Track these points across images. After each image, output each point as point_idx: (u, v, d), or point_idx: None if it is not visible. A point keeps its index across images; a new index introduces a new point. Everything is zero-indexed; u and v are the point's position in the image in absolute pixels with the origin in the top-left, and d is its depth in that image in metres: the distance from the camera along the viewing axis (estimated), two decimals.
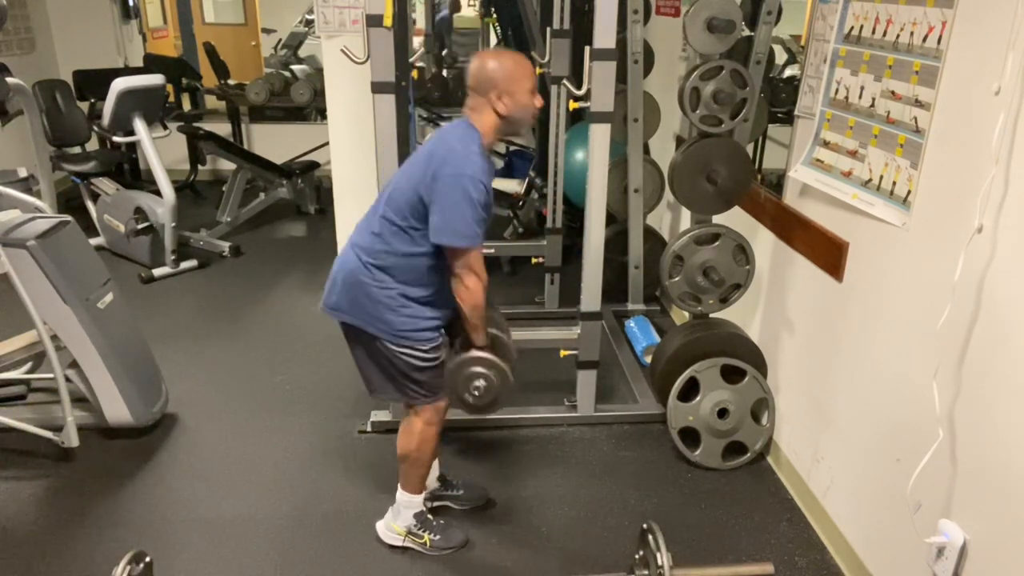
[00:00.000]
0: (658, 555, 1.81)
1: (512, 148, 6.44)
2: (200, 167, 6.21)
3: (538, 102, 2.01)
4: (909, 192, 1.91)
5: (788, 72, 3.80)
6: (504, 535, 2.39)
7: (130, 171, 6.01)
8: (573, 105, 2.75)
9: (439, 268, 2.01)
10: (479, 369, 2.05)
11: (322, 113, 6.23)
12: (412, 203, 1.94)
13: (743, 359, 2.67)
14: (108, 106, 4.32)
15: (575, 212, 4.01)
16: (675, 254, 2.66)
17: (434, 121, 6.49)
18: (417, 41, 5.45)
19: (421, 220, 1.95)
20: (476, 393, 2.06)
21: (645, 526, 1.91)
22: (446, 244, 1.92)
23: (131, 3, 6.44)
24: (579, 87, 2.53)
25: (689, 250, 2.65)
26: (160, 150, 4.53)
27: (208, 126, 5.58)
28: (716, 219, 2.70)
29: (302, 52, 7.60)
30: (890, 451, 2.03)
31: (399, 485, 2.28)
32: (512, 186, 5.05)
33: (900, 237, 1.96)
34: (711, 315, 2.80)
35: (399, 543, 2.31)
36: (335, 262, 2.13)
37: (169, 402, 3.01)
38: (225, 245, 4.82)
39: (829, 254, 2.32)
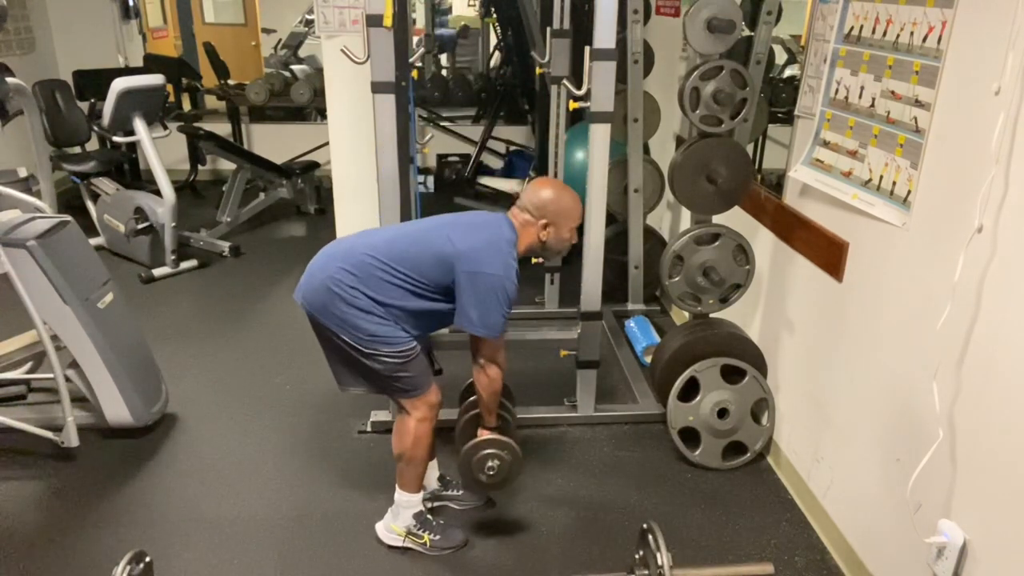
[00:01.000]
0: (658, 555, 1.81)
1: (512, 148, 6.45)
2: (200, 167, 6.22)
3: (574, 239, 2.19)
4: (909, 192, 1.91)
5: (788, 72, 3.80)
6: (504, 535, 2.39)
7: (130, 171, 6.01)
8: (573, 105, 2.75)
9: (425, 315, 2.09)
10: (492, 451, 2.19)
11: (322, 113, 6.24)
12: (434, 276, 2.03)
13: (743, 359, 2.67)
14: (108, 106, 4.32)
15: None
16: (675, 254, 2.66)
17: (434, 121, 6.51)
18: (416, 40, 5.46)
19: (439, 290, 2.05)
20: (490, 473, 2.20)
21: (645, 526, 1.91)
22: (479, 335, 2.06)
23: (131, 3, 6.44)
24: (579, 87, 2.53)
25: (689, 250, 2.65)
26: (160, 150, 4.53)
27: (208, 126, 5.58)
28: (716, 219, 2.70)
29: (302, 52, 7.61)
30: (890, 451, 2.03)
31: (397, 485, 2.28)
32: (512, 186, 5.05)
33: (900, 237, 1.96)
34: (711, 315, 2.80)
35: (399, 543, 2.31)
36: (317, 258, 2.12)
37: (169, 402, 3.01)
38: (225, 245, 4.82)
39: (829, 254, 2.32)
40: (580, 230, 2.25)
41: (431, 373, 2.22)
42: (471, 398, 2.41)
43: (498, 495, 2.55)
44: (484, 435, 2.22)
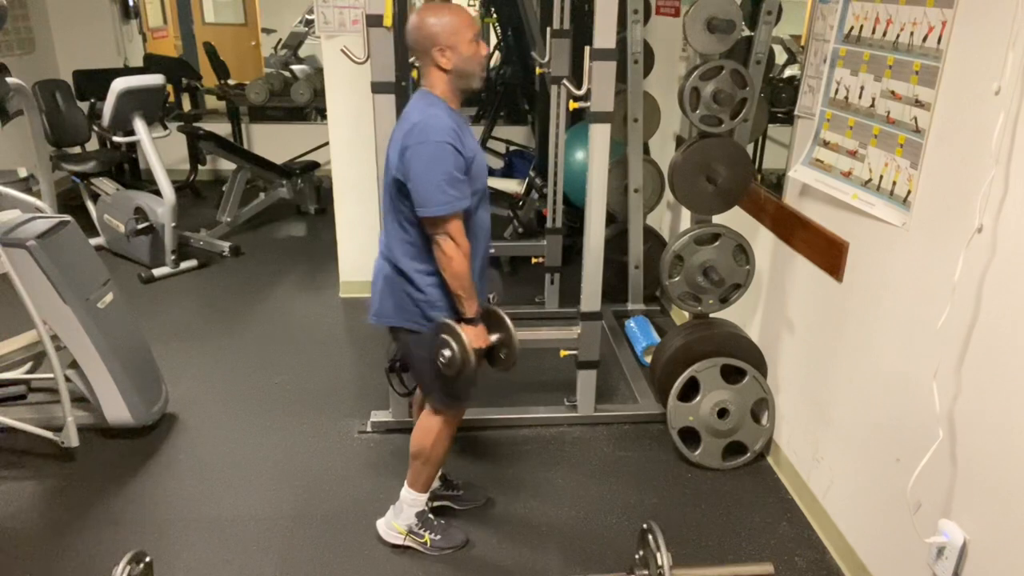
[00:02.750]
0: (658, 555, 1.81)
1: (512, 148, 6.45)
2: (200, 167, 6.21)
3: (483, 50, 1.94)
4: (909, 192, 1.91)
5: (788, 72, 3.80)
6: (504, 535, 2.40)
7: (130, 171, 6.01)
8: (573, 105, 2.75)
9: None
10: (446, 337, 1.98)
11: (322, 113, 6.23)
12: (396, 190, 1.93)
13: (743, 359, 2.67)
14: (108, 106, 4.32)
15: (575, 212, 4.01)
16: (675, 254, 2.66)
17: None
18: None
19: (409, 202, 1.92)
20: (442, 361, 2.00)
21: (645, 526, 1.91)
22: (423, 215, 1.88)
23: (131, 3, 6.44)
24: (579, 87, 2.53)
25: (689, 250, 2.65)
26: (160, 150, 4.53)
27: (208, 126, 5.58)
28: (716, 219, 2.70)
29: (302, 52, 7.60)
30: (890, 451, 2.03)
31: (406, 482, 2.28)
32: (512, 186, 5.05)
33: (900, 237, 1.96)
34: (711, 315, 2.80)
35: (399, 542, 2.31)
36: (374, 269, 2.13)
37: (169, 402, 3.01)
38: (225, 245, 4.82)
39: (829, 254, 2.32)
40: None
41: (474, 388, 2.18)
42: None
43: (498, 495, 2.55)
44: (445, 320, 2.01)
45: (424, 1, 1.98)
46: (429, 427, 2.18)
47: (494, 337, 2.06)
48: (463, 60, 1.90)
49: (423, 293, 2.00)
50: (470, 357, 1.96)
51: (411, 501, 2.28)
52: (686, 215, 3.06)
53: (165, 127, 4.95)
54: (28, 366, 2.94)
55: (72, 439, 2.66)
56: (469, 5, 8.70)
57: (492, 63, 7.62)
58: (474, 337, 1.98)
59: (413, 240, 1.98)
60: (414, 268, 1.99)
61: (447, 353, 1.98)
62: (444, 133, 1.84)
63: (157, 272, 4.40)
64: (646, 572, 1.88)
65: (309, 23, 7.22)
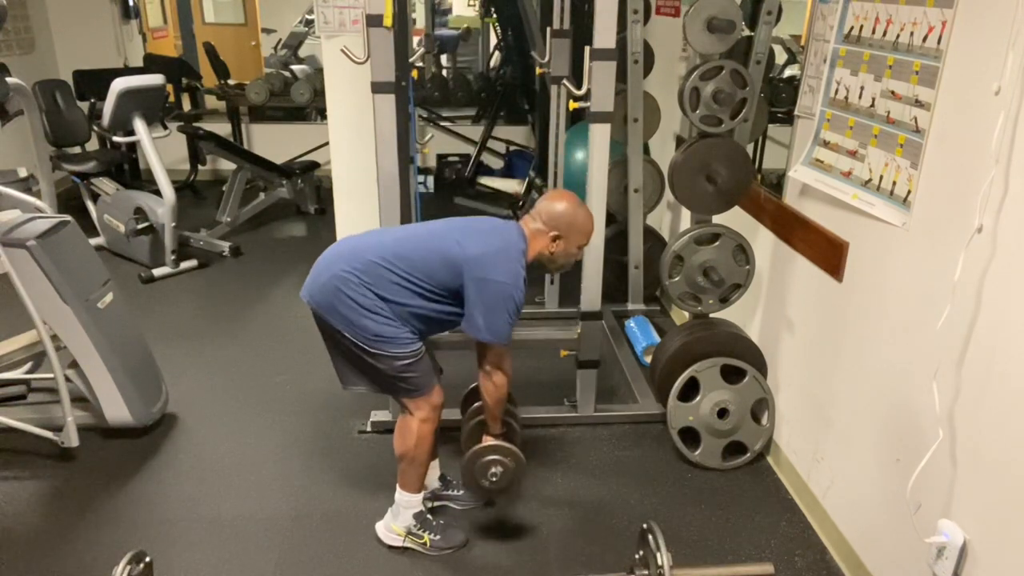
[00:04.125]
0: (658, 555, 1.81)
1: (512, 148, 6.45)
2: (200, 167, 6.21)
3: (580, 256, 2.23)
4: (909, 192, 1.91)
5: (788, 72, 3.80)
6: (504, 535, 2.39)
7: (130, 171, 6.01)
8: (573, 105, 2.75)
9: (432, 318, 2.09)
10: (496, 457, 2.20)
11: (322, 113, 6.23)
12: (443, 279, 2.03)
13: (743, 359, 2.67)
14: (108, 106, 4.32)
15: None
16: (675, 254, 2.66)
17: (434, 121, 6.51)
18: (416, 40, 5.45)
19: (447, 293, 2.05)
20: (493, 479, 2.21)
21: (645, 526, 1.91)
22: (486, 341, 2.06)
23: (131, 3, 6.44)
24: (579, 87, 2.53)
25: (689, 250, 2.65)
26: (160, 150, 4.53)
27: (208, 126, 5.58)
28: (716, 219, 2.70)
29: (302, 52, 7.61)
30: (890, 451, 2.03)
31: (398, 485, 2.28)
32: (512, 186, 5.05)
33: (900, 237, 1.96)
34: (711, 315, 2.80)
35: (399, 543, 2.31)
36: (324, 256, 2.12)
37: (169, 402, 3.01)
38: (225, 245, 4.82)
39: (829, 254, 2.32)
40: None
41: (435, 374, 2.22)
42: (476, 403, 2.41)
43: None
44: (488, 441, 2.23)
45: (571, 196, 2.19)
46: (407, 428, 2.19)
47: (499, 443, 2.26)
48: (561, 254, 2.15)
49: (377, 321, 2.03)
50: (524, 466, 2.24)
51: (406, 502, 2.28)
52: (686, 215, 3.05)
53: (165, 127, 4.95)
54: (28, 366, 2.94)
55: (72, 439, 2.66)
56: (469, 5, 8.71)
57: (492, 63, 7.64)
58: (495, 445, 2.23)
59: (408, 292, 2.03)
60: (378, 307, 2.02)
61: (498, 471, 2.21)
62: (523, 285, 2.04)
63: (157, 272, 4.40)
64: (646, 572, 1.88)
65: (309, 23, 7.23)
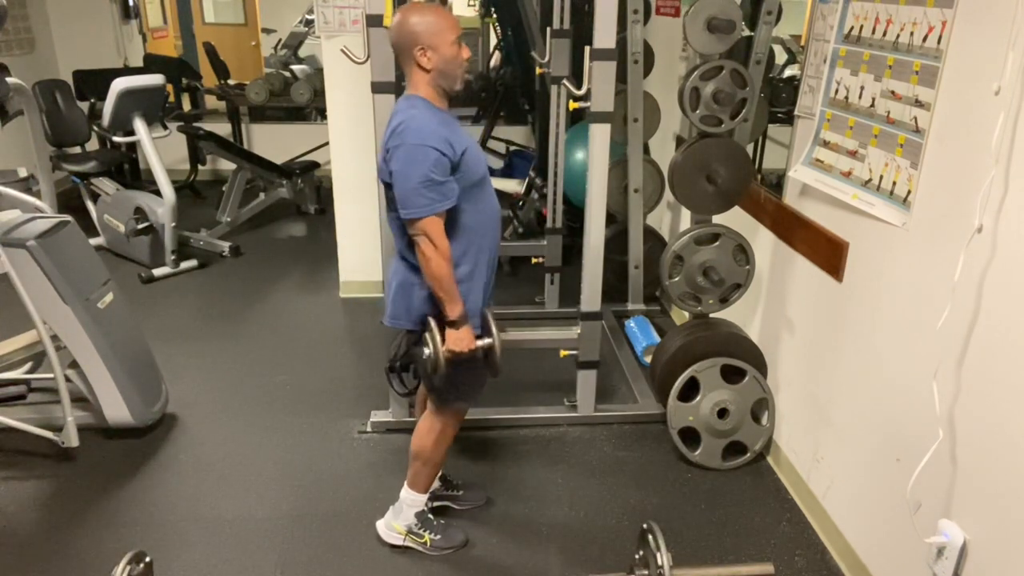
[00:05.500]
0: (658, 555, 1.81)
1: (512, 148, 6.45)
2: (200, 167, 6.21)
3: (465, 52, 1.93)
4: (909, 192, 1.91)
5: (788, 72, 3.80)
6: (504, 535, 2.39)
7: (130, 171, 6.01)
8: (573, 105, 2.75)
9: (462, 232, 1.95)
10: (425, 336, 1.99)
11: (322, 113, 6.23)
12: (387, 192, 1.94)
13: (743, 359, 2.67)
14: (108, 106, 4.32)
15: (575, 212, 4.01)
16: (675, 254, 2.66)
17: None
18: None
19: None
20: (422, 359, 2.01)
21: (645, 526, 1.91)
22: (403, 218, 1.88)
23: (131, 3, 6.44)
24: (579, 87, 2.53)
25: (689, 250, 2.65)
26: (160, 150, 4.53)
27: (208, 126, 5.57)
28: (716, 219, 2.70)
29: (302, 52, 7.60)
30: (890, 451, 2.03)
31: (406, 483, 2.28)
32: (512, 186, 5.05)
33: (900, 237, 1.96)
34: (711, 315, 2.80)
35: (399, 542, 2.31)
36: (390, 270, 2.13)
37: (169, 402, 3.01)
38: (225, 245, 4.82)
39: (829, 254, 2.32)
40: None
41: (481, 391, 2.18)
42: None
43: (498, 495, 2.55)
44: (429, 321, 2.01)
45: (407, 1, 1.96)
46: (431, 427, 2.18)
47: (482, 342, 2.02)
48: (444, 61, 1.89)
49: (426, 291, 1.99)
50: (441, 360, 1.95)
51: (411, 502, 2.28)
52: (686, 215, 3.05)
53: (165, 127, 4.94)
54: (28, 366, 2.94)
55: (72, 439, 2.66)
56: (469, 5, 8.71)
57: (492, 63, 7.63)
58: (455, 340, 1.94)
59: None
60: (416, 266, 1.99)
61: (425, 351, 1.97)
62: (422, 135, 1.83)
63: (157, 272, 4.40)
64: (646, 572, 1.88)
65: (309, 23, 7.23)
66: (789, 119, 2.64)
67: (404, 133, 1.84)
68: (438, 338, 1.95)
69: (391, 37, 1.94)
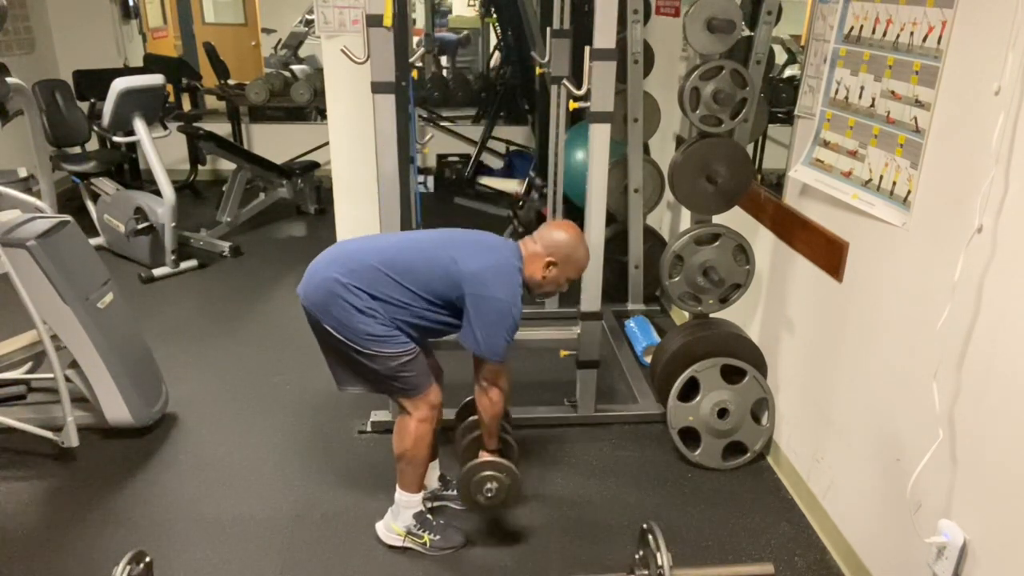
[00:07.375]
0: (658, 555, 1.81)
1: (512, 148, 6.45)
2: (200, 167, 6.21)
3: (564, 288, 2.25)
4: (909, 192, 1.91)
5: (788, 72, 3.80)
6: (504, 535, 2.39)
7: (130, 171, 6.01)
8: (573, 105, 2.75)
9: (428, 327, 2.10)
10: (491, 472, 2.20)
11: (322, 113, 6.24)
12: (440, 291, 2.05)
13: (743, 359, 2.67)
14: (108, 106, 4.32)
15: (575, 212, 4.01)
16: (675, 254, 2.66)
17: (434, 121, 6.50)
18: (416, 40, 5.45)
19: (445, 304, 2.07)
20: (488, 495, 2.21)
21: (645, 526, 1.91)
22: (482, 357, 2.07)
23: (131, 3, 6.44)
24: (579, 87, 2.53)
25: (689, 250, 2.65)
26: (160, 150, 4.53)
27: (208, 126, 5.57)
28: (716, 219, 2.70)
29: (302, 52, 7.60)
30: (890, 451, 2.03)
31: (397, 485, 2.28)
32: (512, 186, 5.05)
33: (900, 237, 1.96)
34: (711, 315, 2.80)
35: (399, 543, 2.31)
36: (321, 258, 2.12)
37: (169, 402, 3.01)
38: (225, 245, 4.82)
39: (829, 254, 2.32)
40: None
41: (431, 373, 2.22)
42: (471, 418, 2.41)
43: None
44: (484, 457, 2.23)
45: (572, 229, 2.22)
46: (405, 428, 2.19)
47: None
48: (549, 281, 2.16)
49: (372, 323, 2.03)
50: (520, 483, 2.25)
51: (405, 502, 2.28)
52: (686, 215, 3.05)
53: (165, 127, 4.94)
54: (28, 366, 2.94)
55: (72, 439, 2.66)
56: (469, 5, 8.71)
57: (492, 63, 7.63)
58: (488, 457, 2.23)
59: (404, 300, 2.04)
60: (371, 308, 2.02)
61: (493, 486, 2.21)
62: (520, 302, 2.06)
63: (157, 272, 4.40)
64: (646, 572, 1.88)
65: (309, 23, 7.23)
66: (789, 119, 2.64)
67: (512, 295, 2.04)
68: (512, 466, 2.23)
69: (545, 230, 2.18)
